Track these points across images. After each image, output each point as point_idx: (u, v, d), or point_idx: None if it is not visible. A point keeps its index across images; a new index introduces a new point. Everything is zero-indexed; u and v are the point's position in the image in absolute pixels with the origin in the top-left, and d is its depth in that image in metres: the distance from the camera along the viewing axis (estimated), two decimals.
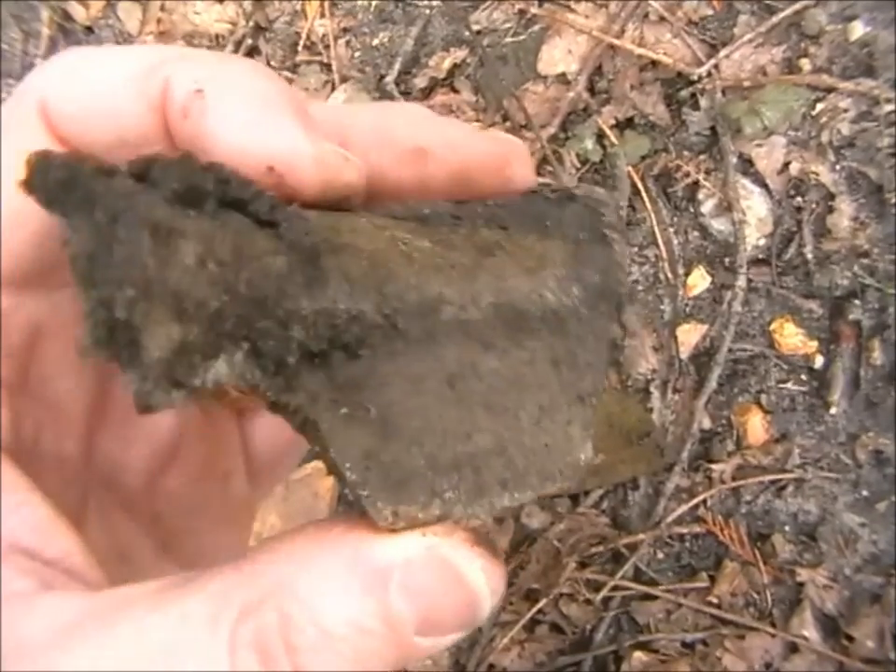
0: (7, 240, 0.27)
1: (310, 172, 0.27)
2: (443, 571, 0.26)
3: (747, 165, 0.85)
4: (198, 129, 0.27)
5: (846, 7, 0.86)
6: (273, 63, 1.00)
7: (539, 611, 0.82)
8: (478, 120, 0.92)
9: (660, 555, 0.83)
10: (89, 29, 1.07)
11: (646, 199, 0.85)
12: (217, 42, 1.01)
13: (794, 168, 0.84)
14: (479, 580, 0.26)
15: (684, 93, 0.86)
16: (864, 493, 0.81)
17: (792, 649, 0.80)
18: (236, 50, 1.01)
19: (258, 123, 0.27)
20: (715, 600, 0.81)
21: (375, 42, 0.98)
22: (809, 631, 0.80)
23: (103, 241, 0.23)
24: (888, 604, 0.79)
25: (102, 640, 0.24)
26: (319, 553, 0.26)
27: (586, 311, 0.30)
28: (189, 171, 0.25)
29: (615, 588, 0.81)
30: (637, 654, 0.81)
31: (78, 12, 1.06)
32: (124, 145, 0.28)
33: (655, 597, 0.81)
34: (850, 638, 0.79)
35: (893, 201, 0.84)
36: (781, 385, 0.83)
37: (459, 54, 0.93)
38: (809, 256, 0.84)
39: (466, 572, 0.26)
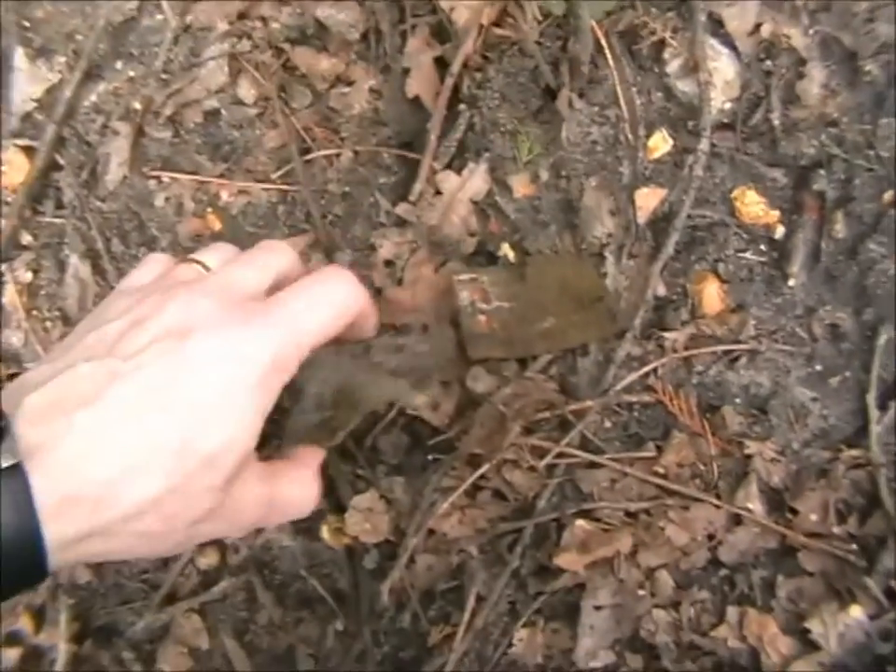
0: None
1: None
2: None
3: (716, 25, 0.81)
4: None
5: None
6: None
7: (482, 477, 0.79)
8: None
9: (607, 424, 0.80)
10: None
11: (609, 57, 0.81)
12: None
13: (766, 30, 0.80)
14: None
15: None
16: (818, 367, 0.80)
17: (736, 521, 0.79)
18: None
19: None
20: (661, 470, 0.79)
21: None
22: (754, 504, 0.78)
23: None
24: (834, 479, 0.78)
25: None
26: None
27: None
28: None
29: (560, 455, 0.79)
30: (580, 523, 0.79)
31: None
32: None
33: (600, 466, 0.79)
34: (795, 512, 0.78)
35: (867, 68, 0.80)
36: (740, 255, 0.80)
37: None
38: (776, 122, 0.80)
39: None
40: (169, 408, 0.44)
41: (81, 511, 0.43)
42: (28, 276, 0.89)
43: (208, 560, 0.86)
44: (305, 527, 0.85)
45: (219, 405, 0.45)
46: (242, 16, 0.90)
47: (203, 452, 0.45)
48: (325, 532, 0.84)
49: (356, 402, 0.76)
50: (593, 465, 0.80)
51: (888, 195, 0.79)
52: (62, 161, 0.89)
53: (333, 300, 0.53)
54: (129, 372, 0.44)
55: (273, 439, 0.79)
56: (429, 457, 0.81)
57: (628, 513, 0.79)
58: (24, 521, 0.41)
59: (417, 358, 0.73)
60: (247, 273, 0.53)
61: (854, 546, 0.76)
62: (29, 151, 0.90)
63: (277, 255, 0.56)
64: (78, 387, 0.44)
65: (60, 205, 0.90)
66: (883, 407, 0.77)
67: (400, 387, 0.75)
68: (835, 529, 0.77)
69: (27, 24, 0.92)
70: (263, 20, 0.89)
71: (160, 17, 0.91)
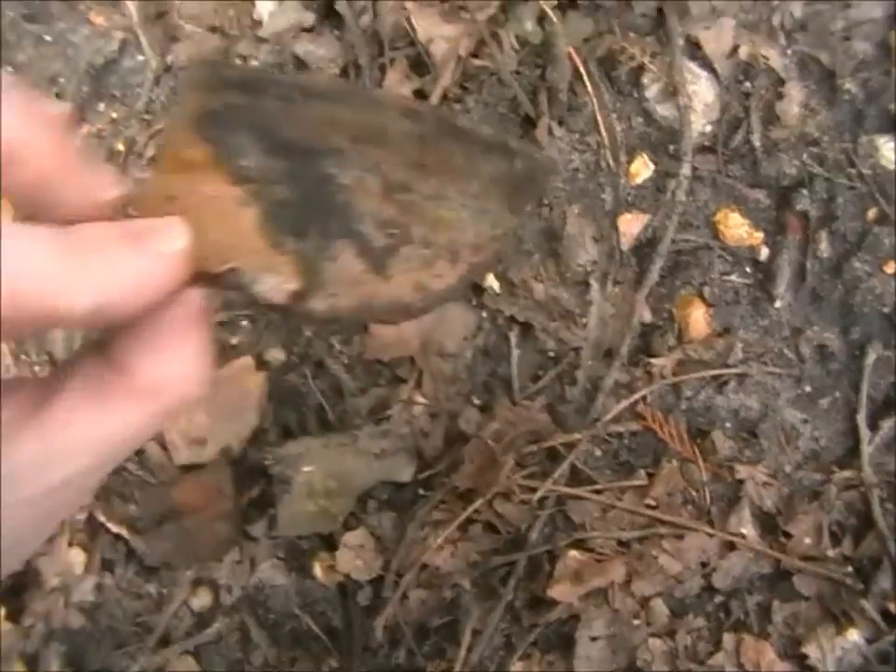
0: None
1: None
2: None
3: (694, 48, 0.81)
4: None
5: None
6: None
7: (474, 511, 0.79)
8: None
9: (597, 452, 0.80)
10: None
11: (588, 83, 0.81)
12: None
13: (743, 52, 0.80)
14: None
15: None
16: (807, 388, 0.79)
17: (730, 547, 0.78)
18: None
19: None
20: (653, 502, 0.78)
21: None
22: (747, 529, 0.78)
23: None
24: (826, 501, 0.77)
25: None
26: None
27: None
28: None
29: (551, 488, 0.78)
30: (573, 553, 0.78)
31: None
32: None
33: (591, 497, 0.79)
34: (788, 536, 0.77)
35: (845, 87, 0.80)
36: (725, 278, 0.80)
37: None
38: (757, 143, 0.80)
39: None
40: None
41: None
42: None
43: (201, 601, 0.86)
44: (298, 565, 0.85)
45: None
46: (221, 54, 0.90)
47: None
48: (317, 569, 0.83)
49: (351, 489, 0.78)
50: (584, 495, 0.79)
51: (871, 212, 0.78)
52: None
53: None
54: None
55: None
56: (419, 491, 0.81)
57: (620, 542, 0.78)
58: None
59: (402, 440, 0.76)
60: None
61: (849, 568, 0.75)
62: None
63: None
64: None
65: None
66: (873, 427, 0.77)
67: (390, 467, 0.78)
68: (830, 552, 0.76)
69: (10, 69, 0.92)
70: (243, 58, 0.89)
71: (140, 58, 0.91)
